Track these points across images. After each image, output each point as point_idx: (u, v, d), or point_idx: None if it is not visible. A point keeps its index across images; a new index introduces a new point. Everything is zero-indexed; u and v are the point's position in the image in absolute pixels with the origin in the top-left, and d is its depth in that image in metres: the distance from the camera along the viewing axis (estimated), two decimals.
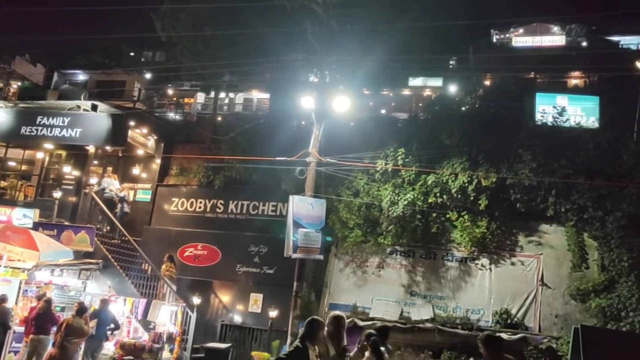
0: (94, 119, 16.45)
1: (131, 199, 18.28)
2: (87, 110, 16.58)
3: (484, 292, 14.69)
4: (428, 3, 16.61)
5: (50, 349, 11.64)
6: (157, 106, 30.07)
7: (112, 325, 12.66)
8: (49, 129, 16.52)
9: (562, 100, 17.87)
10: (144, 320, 13.58)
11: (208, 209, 17.76)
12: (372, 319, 14.27)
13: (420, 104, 25.79)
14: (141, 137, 18.12)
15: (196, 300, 14.81)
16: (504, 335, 13.36)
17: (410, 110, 24.79)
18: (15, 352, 12.21)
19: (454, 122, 15.40)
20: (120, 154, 18.51)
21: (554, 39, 31.69)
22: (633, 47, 30.33)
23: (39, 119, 16.64)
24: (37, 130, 16.62)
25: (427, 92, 29.94)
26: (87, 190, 16.44)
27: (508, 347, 12.88)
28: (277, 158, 14.47)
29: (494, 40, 32.73)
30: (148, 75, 32.61)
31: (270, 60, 17.45)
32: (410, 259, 15.38)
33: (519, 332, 13.68)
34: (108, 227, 16.53)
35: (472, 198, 14.51)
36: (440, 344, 13.93)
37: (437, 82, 30.25)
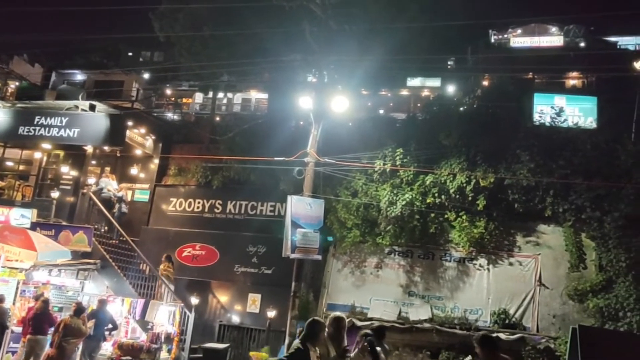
0: (92, 119, 16.42)
1: (129, 199, 18.27)
2: (85, 110, 16.55)
3: (482, 292, 14.71)
4: (426, 3, 16.62)
5: (48, 350, 11.62)
6: (155, 106, 29.99)
7: (110, 326, 12.62)
8: (47, 129, 16.50)
9: (560, 100, 17.91)
10: (142, 321, 13.57)
11: (206, 209, 17.74)
12: (371, 319, 14.29)
13: (419, 104, 25.76)
14: (139, 137, 18.10)
15: (194, 300, 14.80)
16: (502, 336, 13.43)
17: (409, 111, 24.77)
18: (13, 353, 12.18)
19: (452, 122, 15.42)
20: (118, 154, 18.49)
21: (552, 39, 31.75)
22: (631, 48, 30.40)
23: (36, 119, 16.61)
24: (35, 130, 16.59)
25: (426, 93, 29.95)
26: (85, 191, 16.41)
27: (506, 347, 12.97)
28: (276, 158, 14.47)
29: (492, 40, 32.78)
30: (146, 75, 32.56)
31: (268, 61, 17.44)
32: (408, 259, 15.39)
33: (517, 332, 13.72)
34: (106, 227, 16.51)
35: (470, 198, 14.53)
36: (438, 344, 13.96)
37: (435, 82, 30.26)
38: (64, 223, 15.39)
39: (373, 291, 15.29)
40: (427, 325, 14.14)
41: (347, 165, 14.87)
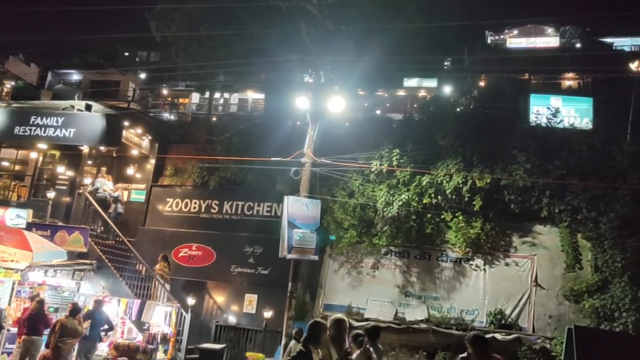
0: (88, 119, 16.37)
1: (125, 199, 18.23)
2: (81, 110, 16.50)
3: (478, 292, 14.73)
4: (422, 4, 16.66)
5: (43, 350, 11.59)
6: (151, 106, 29.97)
7: (106, 326, 12.62)
8: (43, 129, 16.43)
9: (556, 101, 17.93)
10: (138, 321, 13.55)
11: (203, 210, 17.72)
12: (367, 319, 14.29)
13: (415, 105, 25.84)
14: (135, 138, 18.06)
15: (190, 300, 14.78)
16: (498, 336, 13.46)
17: (405, 111, 24.83)
18: (9, 354, 12.14)
19: (449, 122, 15.44)
20: (114, 154, 18.44)
21: (548, 40, 31.87)
22: (627, 49, 30.53)
23: (32, 119, 16.54)
24: (30, 130, 16.52)
25: (422, 93, 30.02)
26: (81, 191, 16.36)
27: (502, 347, 13.01)
28: (272, 158, 14.46)
29: (489, 41, 32.89)
30: (143, 75, 32.54)
31: (265, 61, 17.44)
32: (404, 259, 15.40)
33: (513, 333, 13.74)
34: (102, 228, 16.46)
35: (466, 199, 14.55)
36: (434, 345, 13.97)
37: (431, 83, 30.34)
38: (60, 223, 15.34)
39: (369, 292, 15.29)
40: (423, 325, 14.15)
41: (344, 166, 14.87)
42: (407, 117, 18.97)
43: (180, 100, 33.50)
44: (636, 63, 18.26)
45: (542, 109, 16.83)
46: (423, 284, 15.13)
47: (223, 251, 16.59)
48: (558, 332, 13.39)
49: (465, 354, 6.20)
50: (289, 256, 13.12)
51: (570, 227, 14.29)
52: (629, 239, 13.48)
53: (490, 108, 15.92)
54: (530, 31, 32.39)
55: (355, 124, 16.93)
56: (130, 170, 18.82)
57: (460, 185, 14.49)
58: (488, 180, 14.27)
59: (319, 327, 5.79)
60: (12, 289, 12.66)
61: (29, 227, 14.17)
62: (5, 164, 18.86)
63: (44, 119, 16.47)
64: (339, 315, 6.31)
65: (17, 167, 18.81)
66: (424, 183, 14.84)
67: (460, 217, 14.71)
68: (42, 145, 17.08)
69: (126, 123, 16.98)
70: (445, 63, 28.67)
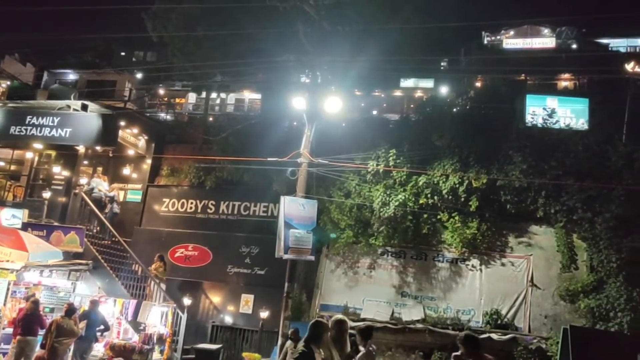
0: (84, 119, 16.34)
1: (121, 199, 18.20)
2: (77, 110, 16.46)
3: (474, 292, 14.77)
4: (419, 4, 16.68)
5: (38, 351, 11.56)
6: (148, 106, 29.89)
7: (101, 327, 12.58)
8: (39, 128, 16.39)
9: (552, 102, 17.96)
10: (134, 322, 13.52)
11: (199, 210, 17.70)
12: (364, 319, 14.29)
13: (412, 105, 25.81)
14: (132, 137, 18.02)
15: (187, 301, 14.75)
16: (494, 336, 13.50)
17: (402, 112, 24.81)
18: (4, 354, 12.10)
19: (445, 123, 15.47)
20: (110, 154, 18.38)
21: (545, 41, 31.91)
22: (622, 50, 30.61)
23: (28, 119, 16.50)
24: (26, 130, 16.48)
25: (419, 94, 30.01)
26: (77, 191, 16.33)
27: (498, 347, 13.06)
28: (269, 159, 14.45)
29: (485, 42, 32.90)
30: (139, 75, 32.43)
31: (262, 61, 17.44)
32: (401, 259, 15.42)
33: (509, 333, 13.79)
34: (98, 228, 16.43)
35: (462, 199, 14.58)
36: (431, 345, 13.99)
37: (428, 83, 30.34)
38: (56, 223, 15.30)
39: (366, 292, 15.31)
40: (419, 325, 14.18)
41: (340, 166, 14.88)
42: (404, 117, 19.00)
43: (177, 100, 33.41)
44: (632, 64, 18.30)
45: (538, 110, 16.88)
46: (419, 284, 15.15)
47: (219, 251, 16.58)
48: (554, 332, 13.44)
49: (458, 353, 6.22)
50: (286, 256, 13.11)
51: (566, 228, 14.34)
52: (624, 239, 13.55)
53: (487, 108, 15.98)
54: (526, 32, 32.43)
55: (352, 124, 16.94)
56: (126, 170, 18.79)
57: (457, 186, 14.52)
58: (484, 180, 14.31)
59: (321, 327, 5.72)
60: (8, 289, 12.61)
61: (25, 227, 14.10)
62: (0, 163, 18.82)
63: (40, 118, 16.43)
64: (340, 315, 6.25)
65: (12, 167, 18.76)
66: (421, 183, 14.86)
67: (457, 218, 14.74)
68: (38, 145, 17.05)
69: (122, 123, 16.94)
70: (442, 64, 28.67)
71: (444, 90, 23.81)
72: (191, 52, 18.22)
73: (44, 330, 11.61)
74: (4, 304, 12.40)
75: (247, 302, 16.07)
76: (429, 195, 14.82)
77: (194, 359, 14.10)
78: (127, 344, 13.10)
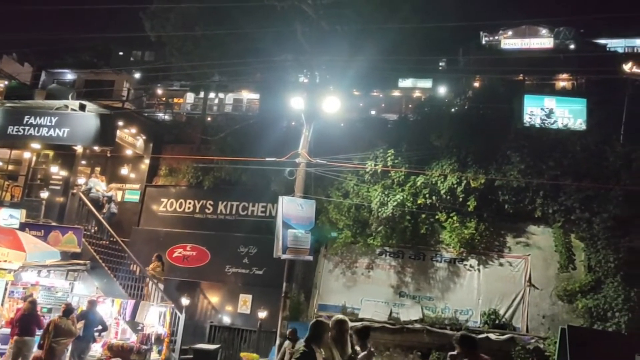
0: (82, 119, 16.31)
1: (119, 199, 18.17)
2: (75, 110, 16.43)
3: (472, 292, 14.78)
4: (418, 4, 16.69)
5: (36, 351, 11.54)
6: (146, 106, 29.88)
7: (99, 327, 12.57)
8: (37, 128, 16.35)
9: (550, 102, 17.98)
10: (132, 322, 13.51)
11: (197, 210, 17.68)
12: (362, 319, 14.29)
13: (410, 105, 25.84)
14: (130, 137, 18.00)
15: (185, 301, 14.74)
16: (492, 336, 13.51)
17: (400, 112, 24.86)
18: (2, 354, 12.09)
19: (443, 123, 15.48)
20: (108, 154, 18.38)
21: (543, 41, 31.99)
22: (620, 50, 30.69)
23: (26, 119, 16.46)
24: (24, 130, 16.44)
25: (417, 94, 30.06)
26: (74, 191, 16.30)
27: (496, 347, 13.07)
28: (267, 159, 14.44)
29: (483, 42, 32.97)
30: (137, 75, 32.41)
31: (260, 61, 17.42)
32: (399, 259, 15.43)
33: (507, 333, 13.80)
34: (96, 228, 16.40)
35: (460, 199, 14.59)
36: (429, 345, 14.00)
37: (426, 83, 30.39)
38: (54, 223, 15.27)
39: (364, 292, 15.31)
40: (417, 325, 14.18)
41: (339, 166, 14.87)
42: (402, 117, 19.01)
43: (175, 100, 33.41)
44: (629, 64, 18.31)
45: (536, 110, 16.90)
46: (417, 284, 15.16)
47: (217, 251, 16.56)
48: (551, 332, 13.46)
49: (455, 352, 6.22)
50: (284, 256, 13.11)
51: (564, 228, 14.36)
52: (622, 239, 13.58)
53: (485, 109, 15.99)
54: (524, 32, 32.50)
55: (350, 124, 16.95)
56: (124, 170, 18.76)
57: (455, 186, 14.53)
58: (482, 180, 14.32)
59: (322, 327, 5.68)
60: (5, 289, 12.60)
61: (22, 227, 14.07)
62: None
63: (38, 118, 16.40)
64: (341, 315, 6.21)
65: (10, 167, 18.71)
66: (419, 183, 14.86)
67: (455, 218, 14.75)
68: (36, 145, 17.01)
69: (120, 123, 16.91)
70: (440, 64, 28.73)
71: (442, 90, 23.87)
72: (189, 51, 18.20)
73: (42, 330, 11.59)
74: (2, 304, 12.41)
75: (245, 302, 16.05)
76: (427, 196, 14.83)
77: (192, 359, 14.09)
78: (125, 344, 13.09)
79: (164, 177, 18.54)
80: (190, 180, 17.87)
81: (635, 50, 31.91)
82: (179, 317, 14.24)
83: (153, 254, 15.78)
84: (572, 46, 30.95)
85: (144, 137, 18.60)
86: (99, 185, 16.97)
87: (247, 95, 32.25)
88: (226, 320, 16.11)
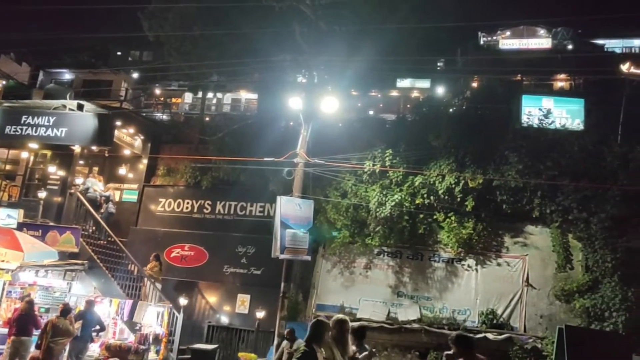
0: (80, 119, 16.29)
1: (117, 199, 18.15)
2: (73, 110, 16.41)
3: (470, 292, 14.79)
4: (416, 4, 16.69)
5: (33, 352, 11.52)
6: (144, 106, 29.86)
7: (97, 327, 12.56)
8: (34, 128, 16.32)
9: (547, 102, 18.01)
10: (130, 322, 13.49)
11: (195, 210, 17.67)
12: (360, 319, 14.30)
13: (408, 106, 25.89)
14: (128, 137, 17.98)
15: (183, 301, 14.74)
16: (489, 336, 13.53)
17: (398, 112, 24.88)
18: None
19: (442, 123, 15.49)
20: (106, 154, 18.35)
21: (541, 41, 32.02)
22: (618, 51, 30.74)
23: (23, 118, 16.43)
24: (21, 129, 16.41)
25: (415, 94, 30.09)
26: (72, 191, 16.29)
27: (494, 347, 13.09)
28: (265, 159, 14.45)
29: (482, 42, 32.98)
30: (135, 75, 32.40)
31: (258, 61, 17.42)
32: (397, 259, 15.44)
33: (505, 332, 13.81)
34: (94, 228, 16.39)
35: (458, 199, 14.61)
36: (427, 345, 14.01)
37: (425, 83, 30.42)
38: (51, 223, 15.26)
39: (362, 292, 15.32)
40: (415, 325, 14.19)
41: (337, 166, 14.88)
42: (400, 117, 19.02)
43: (173, 100, 33.40)
44: (627, 65, 18.34)
45: (534, 110, 16.93)
46: (415, 284, 15.17)
47: (215, 251, 16.56)
48: (549, 332, 13.47)
49: (451, 352, 6.22)
50: (282, 256, 13.11)
51: (562, 228, 14.38)
52: (619, 239, 13.60)
53: (483, 109, 16.01)
54: (522, 32, 32.52)
55: (349, 125, 16.95)
56: (122, 170, 18.74)
57: (453, 186, 14.55)
58: (480, 180, 14.34)
59: (322, 326, 5.67)
60: (3, 289, 12.59)
61: (20, 227, 14.07)
62: None
63: (36, 118, 16.36)
64: (341, 315, 6.18)
65: (8, 167, 18.68)
66: (417, 183, 14.88)
67: (453, 218, 14.76)
68: (34, 145, 16.98)
69: (118, 123, 16.90)
70: (439, 64, 28.76)
71: (440, 90, 23.87)
72: (187, 51, 18.20)
73: (39, 330, 11.58)
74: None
75: (243, 302, 16.05)
76: (425, 196, 14.84)
77: (190, 359, 14.09)
78: (123, 344, 13.08)
79: (162, 177, 18.53)
80: (189, 180, 17.87)
81: (632, 51, 31.99)
82: (176, 317, 14.23)
83: (151, 254, 15.79)
84: (570, 46, 30.99)
85: (142, 137, 18.59)
86: (97, 185, 16.96)
87: (246, 95, 32.26)
88: (224, 320, 16.11)
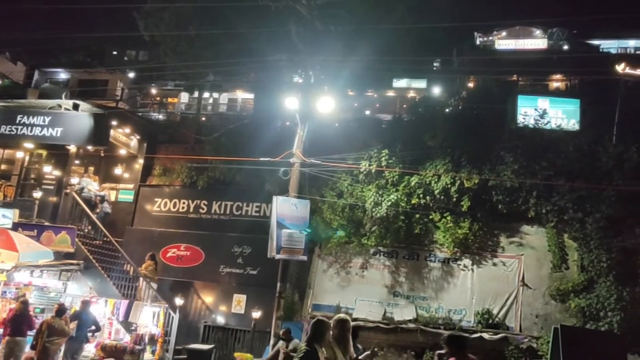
0: (76, 118, 16.23)
1: (113, 199, 18.11)
2: (69, 110, 16.36)
3: (466, 292, 14.83)
4: (412, 4, 16.71)
5: (28, 352, 11.48)
6: (140, 106, 29.77)
7: (93, 327, 12.50)
8: (30, 128, 16.27)
9: (543, 102, 18.06)
10: (126, 322, 13.46)
11: (191, 210, 17.65)
12: (356, 319, 14.30)
13: (404, 106, 25.85)
14: (124, 137, 17.94)
15: (179, 301, 14.70)
16: (485, 335, 13.56)
17: (394, 112, 24.85)
18: None
19: (438, 123, 15.53)
20: (102, 154, 18.27)
21: (536, 42, 32.04)
22: (613, 51, 30.81)
23: (19, 118, 16.37)
24: (17, 129, 16.35)
25: (411, 94, 30.04)
26: (68, 190, 16.24)
27: (489, 347, 13.12)
28: (261, 159, 14.45)
29: (478, 42, 32.99)
30: (131, 75, 32.27)
31: (254, 61, 17.40)
32: (393, 259, 15.45)
33: (500, 332, 13.85)
34: (89, 228, 16.34)
35: (454, 199, 14.63)
36: (422, 344, 14.03)
37: (421, 83, 30.40)
38: (47, 223, 15.20)
39: (358, 292, 15.33)
40: (411, 325, 14.22)
41: (333, 166, 14.90)
42: (396, 117, 19.05)
43: (169, 99, 33.27)
44: (622, 65, 18.40)
45: (529, 110, 16.98)
46: (411, 284, 15.19)
47: (212, 251, 16.54)
48: (544, 332, 13.52)
49: (443, 352, 6.23)
50: (278, 256, 13.12)
51: (557, 228, 14.43)
52: (614, 239, 13.67)
53: (479, 109, 16.05)
54: (518, 33, 32.52)
55: (345, 125, 16.98)
56: (118, 170, 18.70)
57: (449, 186, 14.58)
58: (476, 180, 14.37)
59: (323, 326, 5.64)
60: None
61: (15, 227, 14.01)
62: None
63: (31, 118, 16.31)
64: (343, 315, 6.15)
65: (3, 167, 18.58)
66: (413, 183, 14.90)
67: (449, 218, 14.79)
68: (29, 145, 16.94)
69: (114, 122, 16.85)
70: (435, 64, 28.78)
71: (436, 90, 23.90)
72: (183, 51, 18.15)
73: (33, 331, 11.54)
74: None
75: (239, 302, 16.05)
76: (421, 196, 14.86)
77: (185, 359, 14.06)
78: (119, 345, 13.04)
79: (158, 176, 18.50)
80: (185, 180, 17.85)
81: (628, 51, 32.08)
82: (172, 317, 14.21)
83: (147, 254, 15.72)
84: (565, 47, 31.01)
85: (137, 137, 18.54)
86: (91, 185, 16.91)
87: (242, 95, 32.17)
88: (220, 320, 16.10)
